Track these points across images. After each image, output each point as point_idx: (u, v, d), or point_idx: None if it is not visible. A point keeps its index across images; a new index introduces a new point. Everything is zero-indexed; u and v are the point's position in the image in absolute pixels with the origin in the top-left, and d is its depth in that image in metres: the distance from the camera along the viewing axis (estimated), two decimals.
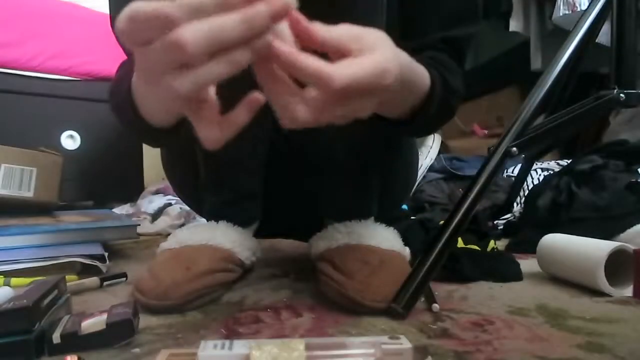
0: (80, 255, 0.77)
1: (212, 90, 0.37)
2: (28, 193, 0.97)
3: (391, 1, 0.55)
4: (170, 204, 1.44)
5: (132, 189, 1.73)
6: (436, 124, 0.63)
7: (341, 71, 0.34)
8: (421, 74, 0.50)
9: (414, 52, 0.59)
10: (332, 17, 0.37)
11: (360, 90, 0.36)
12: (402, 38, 0.60)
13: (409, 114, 0.53)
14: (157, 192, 1.60)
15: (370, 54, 0.37)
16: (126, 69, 0.54)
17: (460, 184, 1.54)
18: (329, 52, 0.37)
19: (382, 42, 0.39)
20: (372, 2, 0.53)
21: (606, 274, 0.61)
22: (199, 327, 0.51)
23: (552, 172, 1.31)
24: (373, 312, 0.53)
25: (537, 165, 1.42)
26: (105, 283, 0.70)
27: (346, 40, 0.37)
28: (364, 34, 0.38)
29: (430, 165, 1.64)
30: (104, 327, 0.45)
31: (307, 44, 0.36)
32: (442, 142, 1.79)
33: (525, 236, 1.00)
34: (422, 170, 1.60)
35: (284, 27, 0.35)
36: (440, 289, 0.64)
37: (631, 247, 0.62)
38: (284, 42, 0.34)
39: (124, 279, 0.72)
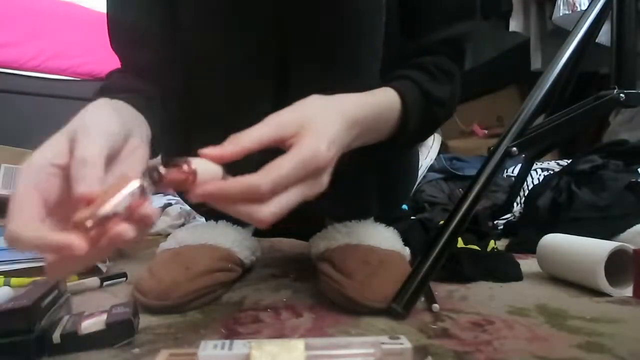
0: None
1: None
2: None
3: (390, 1, 0.55)
4: (170, 204, 1.44)
5: None
6: (421, 135, 0.64)
7: (265, 178, 0.36)
8: (386, 109, 0.52)
9: (416, 55, 0.60)
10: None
11: (294, 182, 0.38)
12: (403, 37, 0.60)
13: (389, 136, 0.55)
14: (157, 192, 1.60)
15: (295, 147, 0.38)
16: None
17: (460, 184, 1.54)
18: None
19: (310, 124, 0.40)
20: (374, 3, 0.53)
21: (606, 274, 0.61)
22: (199, 327, 0.51)
23: (552, 172, 1.32)
24: (373, 312, 0.53)
25: (537, 165, 1.42)
26: (105, 283, 0.70)
27: (273, 136, 0.39)
28: (290, 120, 0.40)
29: (430, 165, 1.64)
30: (104, 327, 0.45)
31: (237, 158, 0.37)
32: (442, 142, 1.79)
33: (525, 236, 1.00)
34: (422, 170, 1.60)
35: (206, 166, 0.35)
36: (440, 289, 0.64)
37: (631, 247, 0.62)
38: (209, 178, 0.35)
39: (124, 279, 0.72)
